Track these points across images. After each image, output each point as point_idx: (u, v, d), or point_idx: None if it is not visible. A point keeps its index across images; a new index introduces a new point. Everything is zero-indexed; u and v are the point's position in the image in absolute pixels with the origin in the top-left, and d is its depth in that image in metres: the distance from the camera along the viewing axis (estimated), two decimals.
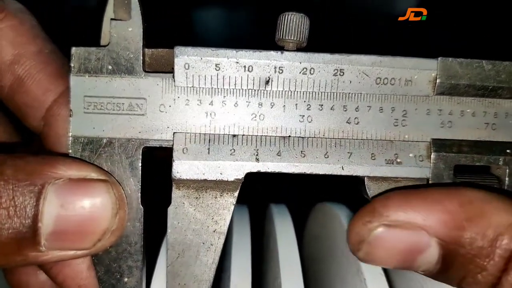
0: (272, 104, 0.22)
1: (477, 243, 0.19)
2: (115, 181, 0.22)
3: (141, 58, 0.22)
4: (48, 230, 0.19)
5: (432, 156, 0.23)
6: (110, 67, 0.22)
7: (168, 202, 0.22)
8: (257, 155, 0.22)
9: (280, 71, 0.22)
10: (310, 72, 0.22)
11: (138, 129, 0.22)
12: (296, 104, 0.22)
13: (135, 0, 0.22)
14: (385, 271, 0.31)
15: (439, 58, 0.22)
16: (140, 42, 0.22)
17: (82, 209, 0.20)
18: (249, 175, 0.22)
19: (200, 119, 0.22)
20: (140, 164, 0.22)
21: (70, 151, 0.22)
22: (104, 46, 0.22)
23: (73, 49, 0.22)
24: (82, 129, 0.22)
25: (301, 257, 0.34)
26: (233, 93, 0.22)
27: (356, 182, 0.23)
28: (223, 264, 0.36)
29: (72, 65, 0.22)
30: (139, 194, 0.22)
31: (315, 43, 0.23)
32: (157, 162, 0.25)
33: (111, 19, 0.22)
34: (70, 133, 0.22)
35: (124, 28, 0.22)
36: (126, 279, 0.23)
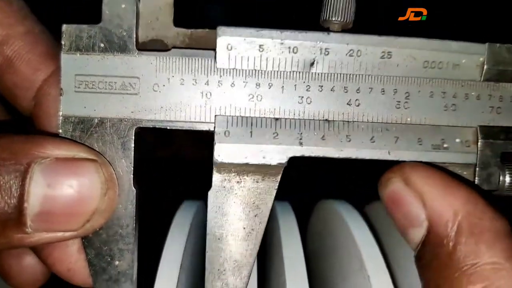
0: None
1: (456, 254, 0.19)
2: (105, 161, 0.21)
3: (135, 36, 0.21)
4: (34, 210, 0.19)
5: (479, 143, 0.22)
6: (102, 45, 0.21)
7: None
8: (300, 139, 0.22)
9: (326, 53, 0.21)
10: (357, 54, 0.21)
11: (130, 108, 0.21)
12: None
13: None
14: (389, 268, 0.31)
15: (486, 44, 0.22)
16: (134, 19, 0.21)
17: (69, 189, 0.19)
18: None
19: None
20: (132, 145, 0.21)
21: (60, 131, 0.21)
22: (96, 23, 0.21)
23: (64, 26, 0.21)
24: (72, 108, 0.21)
25: (305, 254, 0.33)
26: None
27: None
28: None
29: (63, 42, 0.21)
30: (132, 175, 0.22)
31: None
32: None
33: None
34: (61, 113, 0.21)
35: (117, 5, 0.21)
36: (117, 262, 0.22)
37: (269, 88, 0.22)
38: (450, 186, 0.20)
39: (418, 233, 0.20)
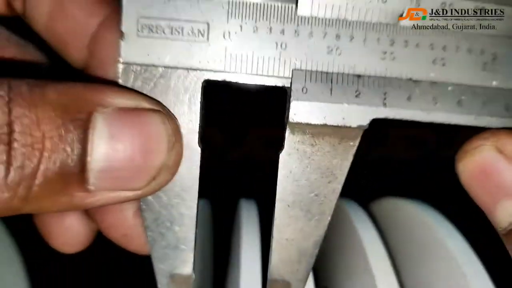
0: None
1: None
2: (170, 113, 0.19)
3: None
4: (98, 165, 0.17)
5: None
6: None
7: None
8: (385, 99, 0.20)
9: (418, 5, 0.19)
10: (449, 7, 0.19)
11: (199, 58, 0.19)
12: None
13: None
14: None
15: None
16: None
17: (134, 142, 0.17)
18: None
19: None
20: (199, 99, 0.19)
21: (120, 80, 0.19)
22: None
23: None
24: (135, 55, 0.19)
25: None
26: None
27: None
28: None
29: None
30: (197, 133, 0.20)
31: None
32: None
33: None
34: (121, 59, 0.19)
35: None
36: (177, 228, 0.20)
37: (350, 41, 0.19)
38: None
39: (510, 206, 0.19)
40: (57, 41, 0.22)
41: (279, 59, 0.19)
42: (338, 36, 0.19)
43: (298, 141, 0.20)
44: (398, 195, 0.39)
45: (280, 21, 0.19)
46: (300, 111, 0.19)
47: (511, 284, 0.26)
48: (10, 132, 0.15)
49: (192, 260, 0.20)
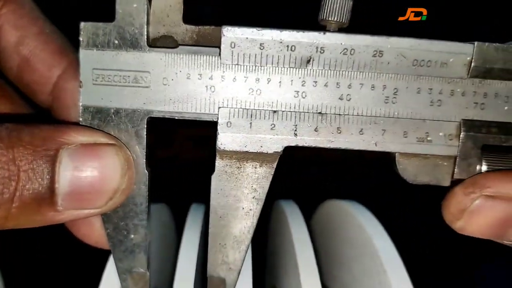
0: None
1: None
2: (122, 145, 0.24)
3: (146, 33, 0.23)
4: (64, 190, 0.21)
5: (461, 135, 0.24)
6: (116, 41, 0.23)
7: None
8: (295, 130, 0.24)
9: (322, 51, 0.23)
10: (350, 53, 0.23)
11: (143, 100, 0.23)
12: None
13: None
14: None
15: (475, 43, 0.23)
16: (144, 17, 0.23)
17: (94, 170, 0.22)
18: None
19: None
20: (145, 133, 0.24)
21: (81, 119, 0.24)
22: (111, 21, 0.23)
23: (82, 24, 0.23)
24: (91, 99, 0.23)
25: None
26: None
27: (385, 159, 0.25)
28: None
29: (81, 39, 0.23)
30: (145, 159, 0.24)
31: None
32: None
33: None
34: (81, 103, 0.23)
35: (129, 4, 0.23)
36: (132, 236, 0.25)
37: (268, 83, 0.23)
38: None
39: None
40: (25, 89, 0.27)
41: (209, 99, 0.24)
42: (257, 80, 0.23)
43: (226, 165, 0.24)
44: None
45: (209, 68, 0.23)
46: (226, 141, 0.24)
47: (428, 279, 0.29)
48: None
49: (145, 260, 0.25)
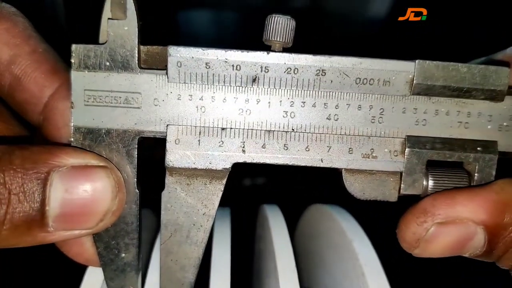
0: (258, 100, 0.24)
1: None
2: (113, 167, 0.24)
3: (137, 55, 0.23)
4: (55, 212, 0.22)
5: (406, 151, 0.24)
6: (107, 63, 0.23)
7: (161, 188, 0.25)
8: (243, 147, 0.24)
9: (266, 70, 0.24)
10: (294, 72, 0.24)
11: (134, 121, 0.24)
12: (281, 101, 0.24)
13: (131, 1, 0.23)
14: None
15: (416, 61, 0.24)
16: (136, 40, 0.23)
17: (85, 192, 0.22)
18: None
19: (191, 113, 0.24)
20: (136, 153, 0.24)
21: (72, 139, 0.24)
22: (102, 43, 0.23)
23: (74, 46, 0.23)
24: (82, 120, 0.24)
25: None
26: (222, 89, 0.24)
27: (335, 174, 0.25)
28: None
29: (72, 61, 0.23)
30: (135, 179, 0.24)
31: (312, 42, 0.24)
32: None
33: (108, 18, 0.23)
34: (72, 124, 0.24)
35: (120, 27, 0.23)
36: (123, 255, 0.25)
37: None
38: (468, 193, 0.24)
39: (478, 240, 0.23)
40: (17, 107, 0.27)
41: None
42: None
43: (176, 181, 0.25)
44: None
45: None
46: (175, 158, 0.24)
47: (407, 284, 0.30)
48: None
49: (138, 280, 0.26)
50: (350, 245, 0.36)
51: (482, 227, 0.23)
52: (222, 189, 0.25)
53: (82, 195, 0.22)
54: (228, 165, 0.24)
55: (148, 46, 0.24)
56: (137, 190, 0.25)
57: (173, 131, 0.24)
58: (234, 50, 0.23)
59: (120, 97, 0.24)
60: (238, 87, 0.24)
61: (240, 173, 0.73)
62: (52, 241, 0.23)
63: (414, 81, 0.24)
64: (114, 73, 0.24)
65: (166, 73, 0.24)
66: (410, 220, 0.24)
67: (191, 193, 0.25)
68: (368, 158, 0.24)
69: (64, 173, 0.22)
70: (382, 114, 0.24)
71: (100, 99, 0.24)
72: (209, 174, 0.25)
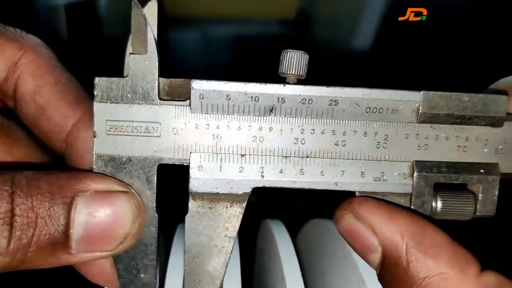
0: (274, 128, 0.26)
1: (410, 270, 0.23)
2: (134, 192, 0.25)
3: (157, 87, 0.25)
4: (78, 235, 0.23)
5: (414, 175, 0.26)
6: (129, 95, 0.25)
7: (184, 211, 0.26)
8: (262, 172, 0.26)
9: (283, 101, 0.25)
10: (308, 102, 0.25)
11: (154, 148, 0.25)
12: (297, 128, 0.26)
13: (151, 37, 0.25)
14: None
15: (421, 92, 0.26)
16: (156, 73, 0.25)
17: (106, 216, 0.23)
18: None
19: (211, 141, 0.26)
20: (155, 179, 0.26)
21: (94, 167, 0.25)
22: (124, 77, 0.25)
23: (96, 79, 0.25)
24: (104, 148, 0.25)
25: None
26: (242, 119, 0.26)
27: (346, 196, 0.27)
28: None
29: (95, 93, 0.25)
30: (155, 203, 0.26)
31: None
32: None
33: (130, 53, 0.25)
34: (95, 152, 0.25)
35: (141, 61, 0.25)
36: (142, 275, 0.26)
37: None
38: (393, 213, 0.24)
39: (375, 258, 0.24)
40: (41, 135, 0.28)
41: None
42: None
43: (199, 205, 0.26)
44: None
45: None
46: (198, 183, 0.26)
47: None
48: (12, 215, 0.21)
49: None
50: (350, 256, 0.37)
51: (381, 249, 0.24)
52: (243, 212, 0.26)
53: (104, 219, 0.23)
54: (248, 190, 0.26)
55: (170, 79, 0.26)
56: (156, 214, 0.26)
57: (196, 158, 0.26)
58: (253, 84, 0.25)
59: (140, 127, 0.25)
60: (257, 117, 0.26)
61: None
62: (74, 263, 0.24)
63: (420, 110, 0.26)
64: (135, 105, 0.25)
65: (189, 105, 0.25)
66: (342, 205, 0.26)
67: (213, 216, 0.26)
68: (379, 181, 0.26)
69: (87, 198, 0.23)
70: (393, 140, 0.26)
71: (122, 128, 0.25)
72: (230, 198, 0.26)
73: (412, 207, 0.26)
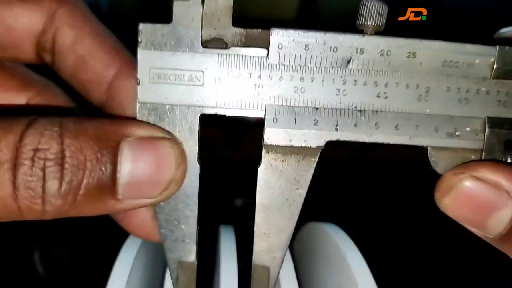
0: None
1: None
2: (176, 140, 0.25)
3: (200, 35, 0.25)
4: (124, 180, 0.23)
5: (486, 131, 0.26)
6: (173, 42, 0.24)
7: None
8: (336, 125, 0.26)
9: (361, 52, 0.25)
10: (386, 54, 0.25)
11: (196, 97, 0.25)
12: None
13: None
14: None
15: (497, 46, 0.25)
16: (199, 21, 0.25)
17: (151, 162, 0.23)
18: None
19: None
20: (197, 128, 0.25)
21: (138, 115, 0.25)
22: (168, 23, 0.24)
23: (141, 25, 0.24)
24: (148, 96, 0.25)
25: None
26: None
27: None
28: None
29: (139, 39, 0.24)
30: (196, 153, 0.26)
31: None
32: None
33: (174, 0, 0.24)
34: (138, 100, 0.25)
35: (185, 8, 0.24)
36: (183, 226, 0.26)
37: (311, 82, 0.25)
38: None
39: (506, 213, 0.24)
40: (81, 88, 0.28)
41: (257, 96, 0.25)
42: (302, 79, 0.25)
43: (272, 158, 0.26)
44: None
45: (258, 68, 0.25)
46: (272, 136, 0.26)
47: None
48: (63, 157, 0.21)
49: (195, 250, 0.27)
50: (344, 259, 0.38)
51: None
52: (314, 166, 0.26)
53: (149, 164, 0.23)
54: (322, 143, 0.26)
55: (248, 29, 0.26)
56: (197, 163, 0.26)
57: (271, 110, 0.25)
58: (332, 33, 0.25)
59: (184, 75, 0.25)
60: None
61: (233, 193, 0.75)
62: (120, 210, 0.24)
63: (495, 66, 0.26)
64: (179, 52, 0.25)
65: (267, 55, 0.25)
66: (449, 173, 0.25)
67: (285, 169, 0.26)
68: (452, 136, 0.26)
69: (132, 143, 0.23)
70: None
71: (165, 76, 0.25)
72: (303, 151, 0.26)
73: None
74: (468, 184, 0.25)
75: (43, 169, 0.21)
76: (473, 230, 0.25)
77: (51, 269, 0.60)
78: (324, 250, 0.43)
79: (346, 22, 0.27)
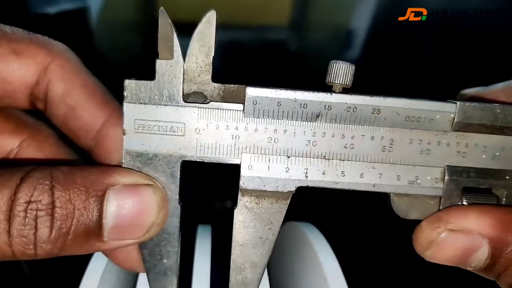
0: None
1: None
2: (159, 185, 0.28)
3: (181, 90, 0.27)
4: (110, 225, 0.25)
5: (445, 179, 0.28)
6: (156, 97, 0.27)
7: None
8: (306, 173, 0.28)
9: (329, 108, 0.27)
10: (353, 110, 0.27)
11: (178, 146, 0.28)
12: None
13: (177, 43, 0.27)
14: None
15: (457, 102, 0.27)
16: (181, 78, 0.27)
17: (134, 207, 0.26)
18: None
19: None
20: (179, 174, 0.28)
21: (124, 162, 0.28)
22: (151, 80, 0.27)
23: (126, 82, 0.27)
24: (133, 145, 0.28)
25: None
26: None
27: (380, 197, 0.29)
28: None
29: (125, 94, 0.27)
30: (177, 196, 0.28)
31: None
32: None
33: (156, 58, 0.27)
34: (124, 148, 0.28)
35: (167, 66, 0.27)
36: (165, 260, 0.29)
37: (284, 133, 0.28)
38: (482, 210, 0.27)
39: (482, 252, 0.27)
40: (71, 134, 0.30)
41: (234, 146, 0.28)
42: (275, 130, 0.28)
43: (247, 201, 0.29)
44: None
45: (234, 121, 0.28)
46: (247, 181, 0.28)
47: None
48: (53, 207, 0.24)
49: (176, 282, 0.30)
50: (316, 257, 0.40)
51: (487, 241, 0.26)
52: (286, 208, 0.29)
53: (133, 210, 0.26)
54: (293, 188, 0.28)
55: (225, 85, 0.28)
56: (178, 205, 0.28)
57: (247, 159, 0.28)
58: (302, 91, 0.27)
59: (166, 126, 0.27)
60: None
61: (224, 196, 0.78)
62: (106, 250, 0.27)
63: (455, 120, 0.28)
64: (162, 106, 0.27)
65: (243, 109, 0.27)
66: (425, 226, 0.28)
67: (259, 210, 0.29)
68: (413, 184, 0.28)
69: (117, 191, 0.26)
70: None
71: (149, 127, 0.27)
72: (276, 195, 0.29)
73: (441, 207, 0.29)
74: (445, 236, 0.27)
75: (35, 219, 0.24)
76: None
77: (36, 269, 0.63)
78: (299, 249, 0.46)
79: (338, 27, 0.29)
